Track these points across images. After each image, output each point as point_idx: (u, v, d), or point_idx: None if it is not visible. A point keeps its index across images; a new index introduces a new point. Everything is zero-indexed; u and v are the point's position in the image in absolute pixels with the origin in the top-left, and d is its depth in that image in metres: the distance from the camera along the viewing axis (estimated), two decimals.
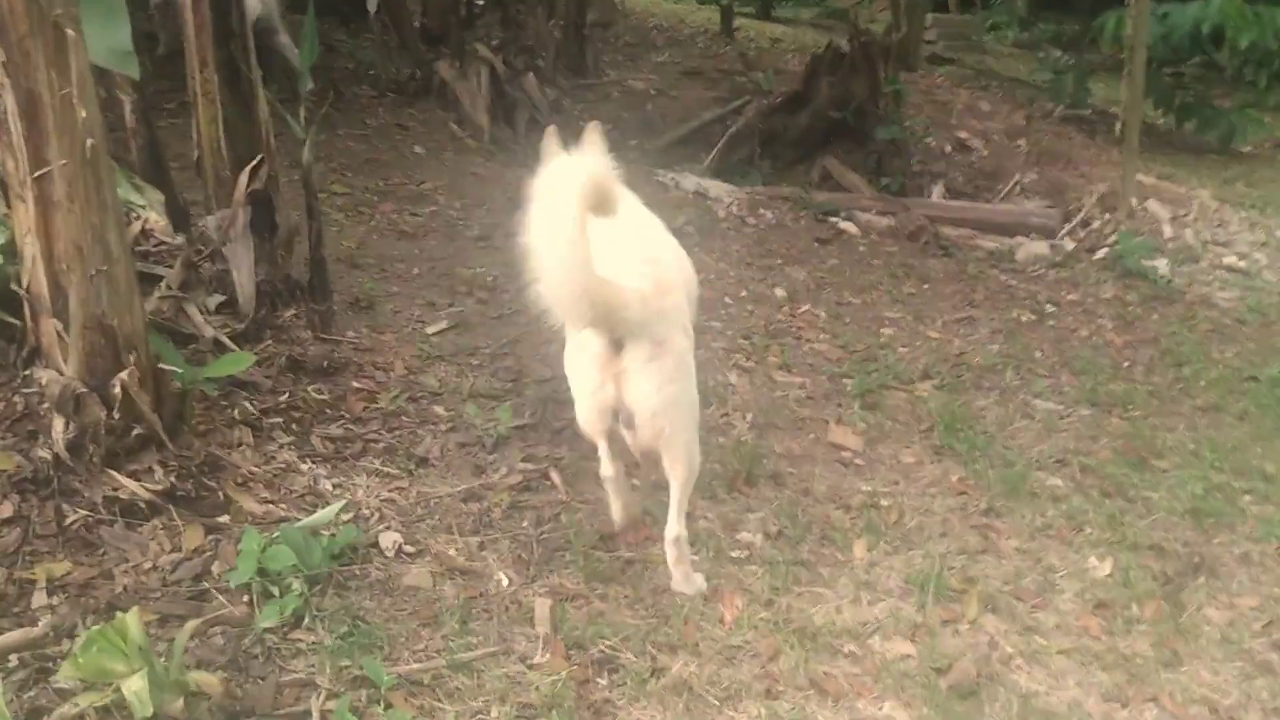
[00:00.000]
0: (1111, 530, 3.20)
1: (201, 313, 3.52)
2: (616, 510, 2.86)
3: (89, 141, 2.47)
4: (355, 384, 3.56)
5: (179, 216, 3.72)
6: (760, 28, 16.06)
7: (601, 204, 2.41)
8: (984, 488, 3.32)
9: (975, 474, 3.39)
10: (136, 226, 3.64)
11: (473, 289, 4.42)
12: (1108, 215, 6.66)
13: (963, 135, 7.69)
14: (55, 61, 2.38)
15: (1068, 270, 5.85)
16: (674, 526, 2.64)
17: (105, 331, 2.66)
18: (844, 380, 4.11)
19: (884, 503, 3.16)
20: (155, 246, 3.67)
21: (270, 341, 3.59)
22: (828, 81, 7.16)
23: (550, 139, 3.08)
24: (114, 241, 2.61)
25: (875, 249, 5.90)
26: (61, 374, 2.70)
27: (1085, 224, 6.65)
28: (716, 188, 6.16)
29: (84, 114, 2.44)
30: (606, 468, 2.77)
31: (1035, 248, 6.10)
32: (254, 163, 3.56)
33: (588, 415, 2.66)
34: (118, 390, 2.69)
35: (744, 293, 4.90)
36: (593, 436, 2.72)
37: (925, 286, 5.35)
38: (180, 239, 3.66)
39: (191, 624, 2.21)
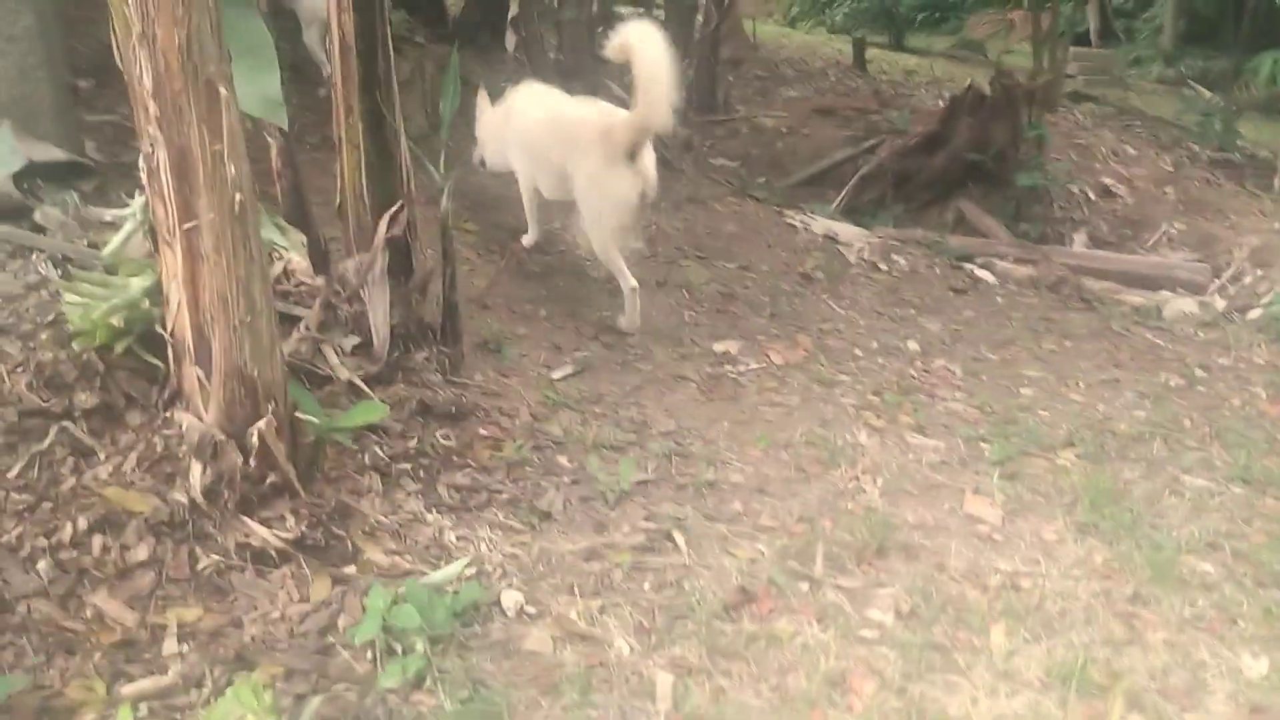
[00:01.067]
0: (1267, 625, 2.98)
1: (337, 354, 3.59)
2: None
3: (238, 197, 2.52)
4: (482, 430, 3.56)
5: (320, 257, 3.79)
6: (893, 59, 15.84)
7: None
8: (1130, 571, 3.13)
9: (1121, 556, 3.21)
10: (279, 267, 3.74)
11: (599, 333, 4.40)
12: (1260, 271, 6.31)
13: (1107, 181, 7.40)
14: (207, 118, 2.43)
15: (1218, 331, 5.55)
16: None
17: (245, 381, 2.70)
18: (981, 444, 3.95)
19: (1024, 584, 3.01)
20: (296, 287, 3.76)
21: (402, 384, 3.63)
22: (967, 124, 6.97)
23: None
24: (258, 294, 2.65)
25: (1013, 300, 5.70)
26: (201, 420, 2.75)
27: (1236, 279, 6.31)
28: (847, 231, 6.04)
29: (233, 170, 2.48)
30: None
31: (1183, 305, 5.81)
32: (394, 209, 3.61)
33: None
34: (255, 439, 2.74)
35: (875, 344, 4.78)
36: None
37: (1067, 343, 5.14)
38: (320, 280, 3.73)
39: (318, 700, 2.21)
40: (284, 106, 3.08)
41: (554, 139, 4.61)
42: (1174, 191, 7.56)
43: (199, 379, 2.73)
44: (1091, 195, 7.29)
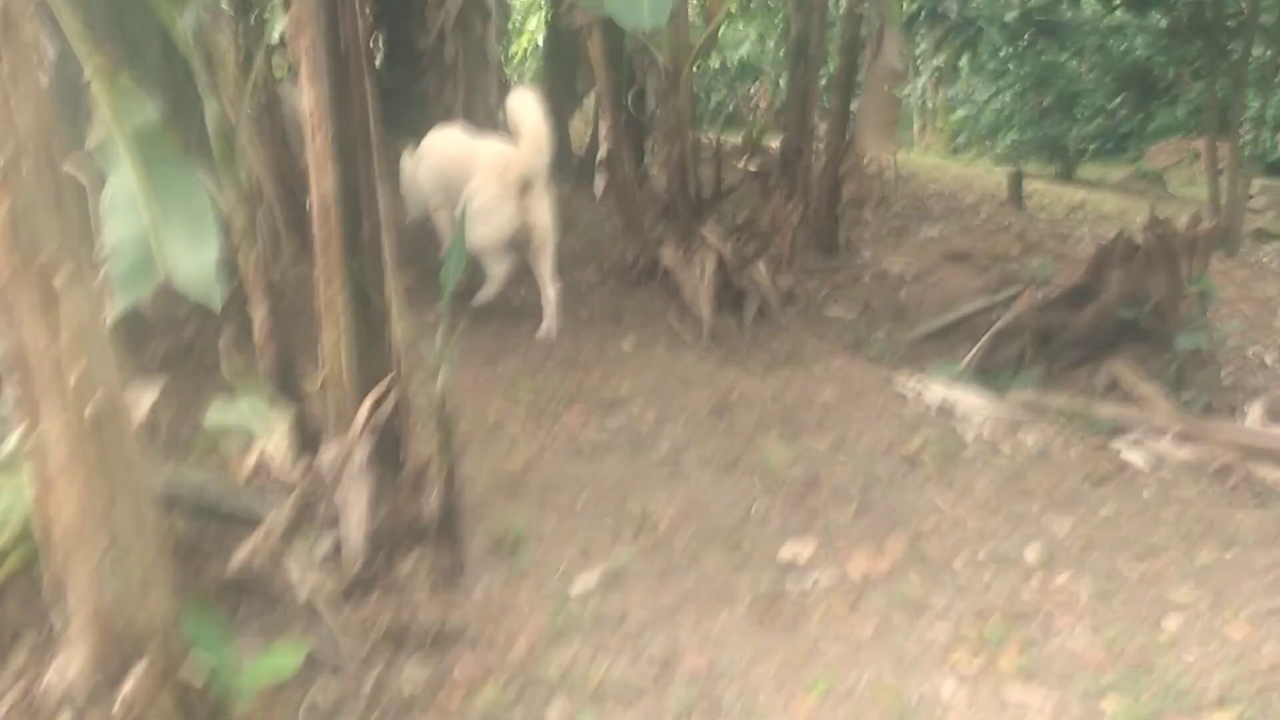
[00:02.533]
0: None
1: (302, 565, 3.06)
2: None
3: (89, 407, 2.02)
4: (461, 665, 2.94)
5: (307, 444, 3.29)
6: (1057, 193, 14.91)
7: None
8: None
9: None
10: (251, 458, 3.26)
11: (640, 531, 3.74)
12: None
13: None
14: (43, 314, 1.94)
15: None
16: None
17: (111, 625, 2.17)
18: (1102, 699, 3.08)
19: None
20: (270, 480, 3.28)
21: (377, 601, 3.06)
22: (1118, 275, 6.10)
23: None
24: (123, 523, 2.13)
25: (1166, 493, 4.74)
26: (69, 668, 2.24)
27: None
28: (967, 402, 5.23)
29: (78, 376, 1.98)
30: None
31: None
32: (378, 393, 3.10)
33: None
34: (126, 693, 2.20)
35: (982, 553, 3.94)
36: None
37: (1229, 554, 4.16)
38: (297, 471, 3.23)
39: None
40: (218, 287, 2.62)
41: (460, 171, 5.48)
42: None
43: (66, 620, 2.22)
44: (1270, 359, 6.25)
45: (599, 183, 5.99)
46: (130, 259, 2.64)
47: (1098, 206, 13.45)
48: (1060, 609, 3.61)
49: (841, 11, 7.49)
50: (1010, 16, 9.47)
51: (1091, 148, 19.37)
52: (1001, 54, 15.38)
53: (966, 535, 4.07)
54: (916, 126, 22.94)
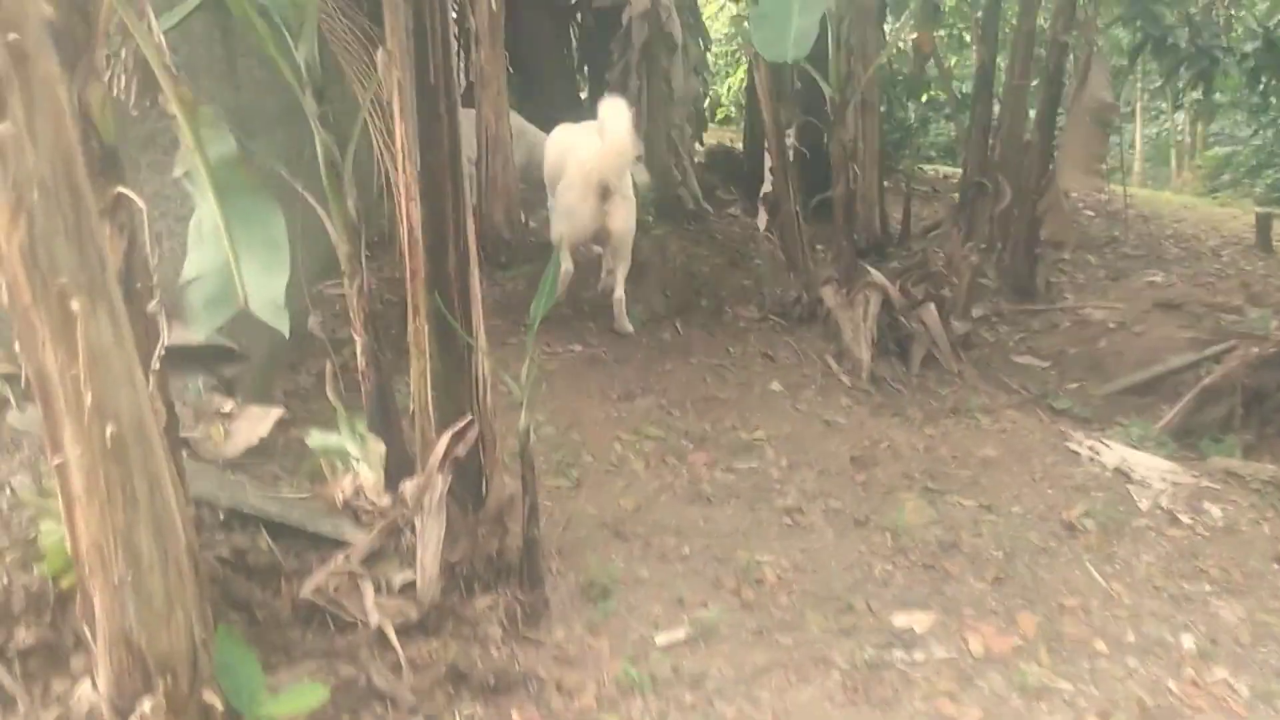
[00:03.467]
0: None
1: (380, 592, 3.06)
2: None
3: (109, 430, 2.07)
4: (520, 708, 2.85)
5: (401, 472, 3.30)
6: None
7: None
8: None
9: None
10: (347, 483, 3.31)
11: (742, 584, 3.55)
12: None
13: None
14: (61, 337, 2.00)
15: None
16: None
17: (132, 649, 2.21)
18: None
19: None
20: (367, 507, 3.31)
21: (449, 637, 3.03)
22: None
23: None
24: (146, 545, 2.16)
25: None
26: (95, 688, 2.30)
27: None
28: (1148, 465, 4.71)
29: (93, 398, 2.03)
30: None
31: None
32: (459, 426, 3.07)
33: None
34: (143, 713, 2.24)
35: (1132, 636, 3.52)
36: None
37: None
38: (386, 499, 3.25)
39: None
40: (286, 313, 2.66)
41: (560, 166, 5.57)
42: None
43: (89, 640, 2.28)
44: None
45: (762, 217, 5.82)
46: (212, 286, 2.72)
47: None
48: (1211, 707, 3.18)
49: (1046, 39, 7.01)
50: (1251, 46, 8.62)
51: None
52: (1262, 87, 14.10)
53: (1117, 615, 3.65)
54: (1173, 164, 21.45)
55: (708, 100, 16.72)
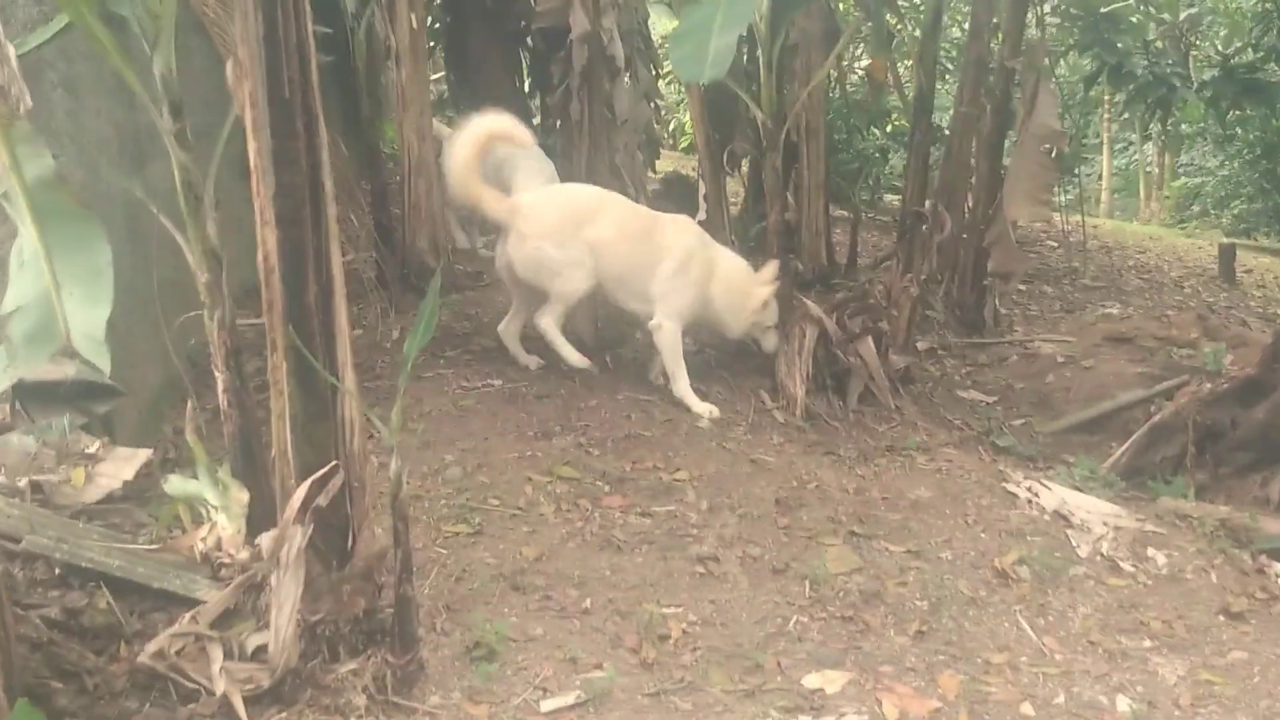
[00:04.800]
0: None
1: (231, 656, 2.79)
2: None
3: None
4: None
5: (269, 523, 3.03)
6: None
7: None
8: None
9: None
10: (206, 534, 3.04)
11: (643, 641, 3.27)
12: None
13: None
14: None
15: None
16: None
17: None
18: None
19: None
20: (227, 560, 3.04)
21: (305, 706, 2.75)
22: None
23: None
24: None
25: None
26: None
27: None
28: (1089, 508, 4.48)
29: None
30: None
31: None
32: (319, 473, 2.80)
33: None
34: None
35: (1062, 697, 3.27)
36: None
37: None
38: (247, 554, 2.98)
39: None
40: (106, 348, 2.40)
41: None
42: None
43: None
44: None
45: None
46: (33, 319, 2.47)
47: None
48: None
49: (993, 66, 6.84)
50: (1209, 75, 8.49)
51: None
52: (1229, 116, 14.05)
53: (1047, 673, 3.41)
54: (1142, 195, 21.45)
55: (671, 126, 16.60)
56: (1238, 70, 8.45)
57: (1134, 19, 8.40)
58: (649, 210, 5.35)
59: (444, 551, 3.64)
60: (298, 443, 2.84)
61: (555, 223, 4.95)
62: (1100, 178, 20.59)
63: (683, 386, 4.96)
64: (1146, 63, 8.10)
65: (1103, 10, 7.92)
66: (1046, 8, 8.47)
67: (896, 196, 14.32)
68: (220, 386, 3.04)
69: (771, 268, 5.16)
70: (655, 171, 9.74)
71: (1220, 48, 9.03)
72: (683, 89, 11.55)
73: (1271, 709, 3.36)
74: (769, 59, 5.01)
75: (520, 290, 5.13)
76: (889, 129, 12.66)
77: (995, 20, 6.82)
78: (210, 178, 2.94)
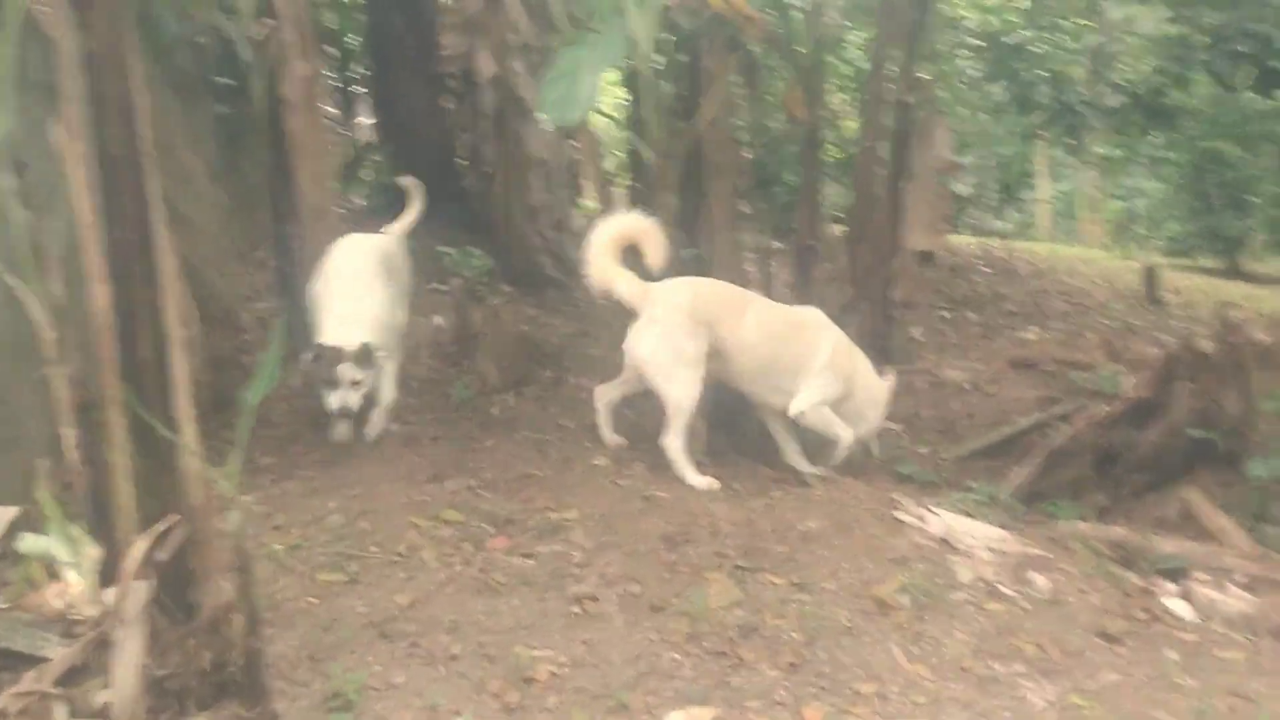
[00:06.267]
0: None
1: (77, 715, 2.76)
2: None
3: None
4: None
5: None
6: (1215, 289, 13.73)
7: None
8: None
9: None
10: (55, 592, 3.01)
11: (509, 686, 3.27)
12: None
13: None
14: None
15: None
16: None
17: None
18: None
19: None
20: (80, 617, 3.01)
21: None
22: (1187, 390, 5.29)
23: None
24: None
25: (1201, 653, 3.94)
26: None
27: None
28: (976, 534, 4.53)
29: None
30: None
31: None
32: (155, 529, 2.80)
33: None
34: None
35: None
36: None
37: None
38: (97, 611, 2.95)
39: None
40: None
41: None
42: None
43: None
44: None
45: None
46: None
47: (1257, 305, 12.21)
48: None
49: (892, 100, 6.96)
50: (1113, 101, 8.70)
51: (1269, 240, 17.87)
52: (1159, 141, 14.37)
53: (916, 702, 3.44)
54: (1079, 219, 21.79)
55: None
56: (1143, 96, 8.66)
57: (1039, 49, 8.63)
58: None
59: (315, 601, 3.63)
60: (141, 498, 2.84)
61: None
62: (1039, 203, 20.92)
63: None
64: (1053, 92, 8.31)
65: (1006, 41, 8.11)
66: (955, 39, 8.66)
67: (840, 226, 14.54)
68: (73, 442, 3.03)
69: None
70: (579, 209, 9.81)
71: (1125, 75, 9.26)
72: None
73: None
74: (654, 97, 5.09)
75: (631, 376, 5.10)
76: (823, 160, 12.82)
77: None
78: (59, 233, 2.94)
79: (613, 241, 4.97)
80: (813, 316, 5.29)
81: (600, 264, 4.96)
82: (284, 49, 5.67)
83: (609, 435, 5.12)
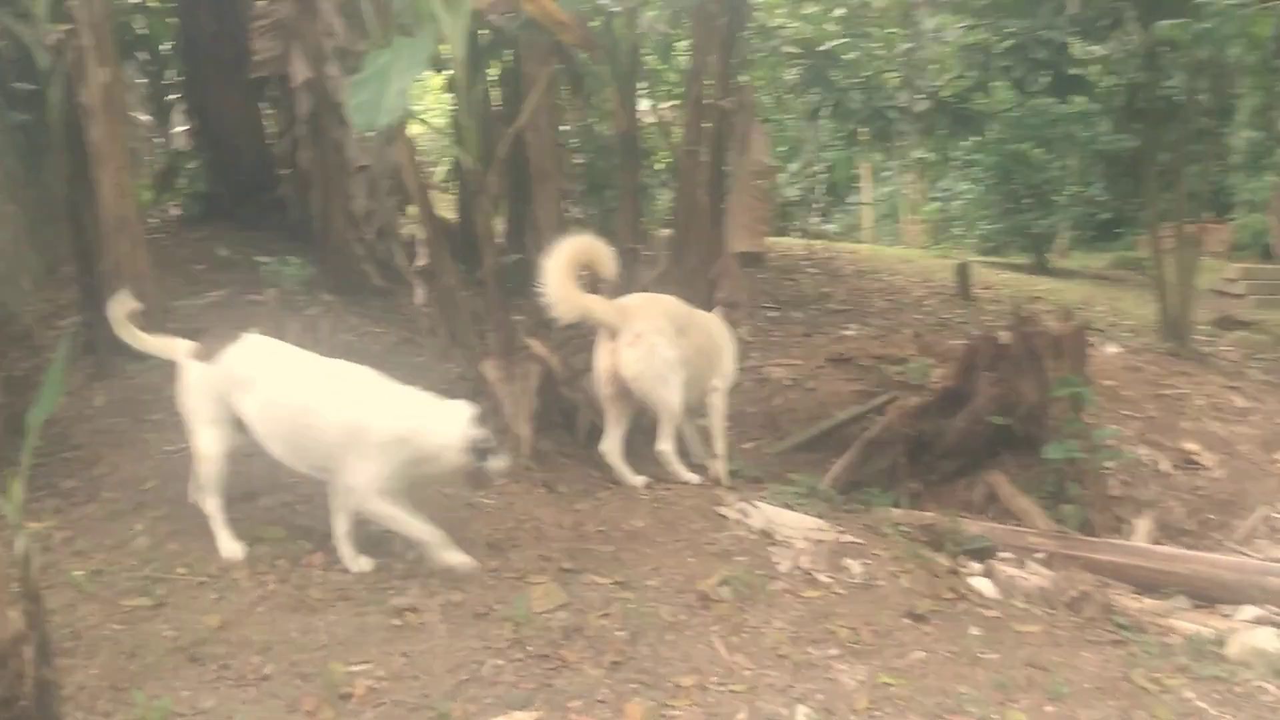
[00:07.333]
0: None
1: None
2: None
3: None
4: None
5: None
6: (1022, 284, 14.49)
7: None
8: None
9: None
10: None
11: (324, 704, 3.19)
12: None
13: (1190, 447, 5.77)
14: None
15: None
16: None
17: None
18: None
19: None
20: None
21: None
22: (988, 379, 5.59)
23: None
24: None
25: (1002, 628, 4.17)
26: None
27: None
28: (793, 525, 4.68)
29: None
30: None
31: (1261, 639, 4.11)
32: None
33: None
34: None
35: (744, 714, 3.38)
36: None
37: (1050, 708, 3.58)
38: None
39: None
40: None
41: None
42: None
43: None
44: (1166, 466, 5.67)
45: (418, 292, 5.57)
46: None
47: (1059, 297, 12.97)
48: None
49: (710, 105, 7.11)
50: (922, 107, 9.13)
51: (1073, 236, 19.00)
52: (966, 144, 15.11)
53: (734, 691, 3.51)
54: (900, 221, 22.70)
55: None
56: (949, 102, 9.12)
57: (850, 56, 8.97)
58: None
59: (120, 627, 3.48)
60: None
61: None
62: (864, 205, 21.72)
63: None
64: (864, 98, 8.64)
65: (820, 49, 8.41)
66: (767, 46, 8.91)
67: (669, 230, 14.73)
68: None
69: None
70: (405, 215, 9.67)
71: (932, 81, 9.71)
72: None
73: (942, 704, 3.56)
74: (467, 104, 5.06)
75: (618, 403, 5.22)
76: (656, 165, 13.00)
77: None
78: None
79: (568, 268, 5.05)
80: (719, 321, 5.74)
81: (563, 293, 5.03)
82: (82, 54, 5.41)
83: (633, 479, 5.20)
